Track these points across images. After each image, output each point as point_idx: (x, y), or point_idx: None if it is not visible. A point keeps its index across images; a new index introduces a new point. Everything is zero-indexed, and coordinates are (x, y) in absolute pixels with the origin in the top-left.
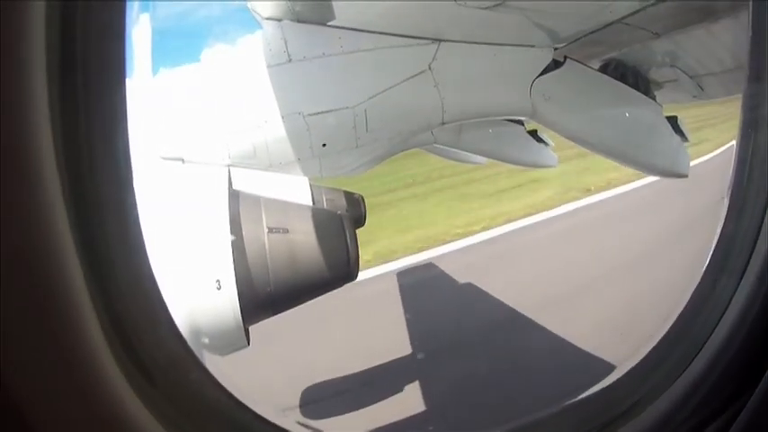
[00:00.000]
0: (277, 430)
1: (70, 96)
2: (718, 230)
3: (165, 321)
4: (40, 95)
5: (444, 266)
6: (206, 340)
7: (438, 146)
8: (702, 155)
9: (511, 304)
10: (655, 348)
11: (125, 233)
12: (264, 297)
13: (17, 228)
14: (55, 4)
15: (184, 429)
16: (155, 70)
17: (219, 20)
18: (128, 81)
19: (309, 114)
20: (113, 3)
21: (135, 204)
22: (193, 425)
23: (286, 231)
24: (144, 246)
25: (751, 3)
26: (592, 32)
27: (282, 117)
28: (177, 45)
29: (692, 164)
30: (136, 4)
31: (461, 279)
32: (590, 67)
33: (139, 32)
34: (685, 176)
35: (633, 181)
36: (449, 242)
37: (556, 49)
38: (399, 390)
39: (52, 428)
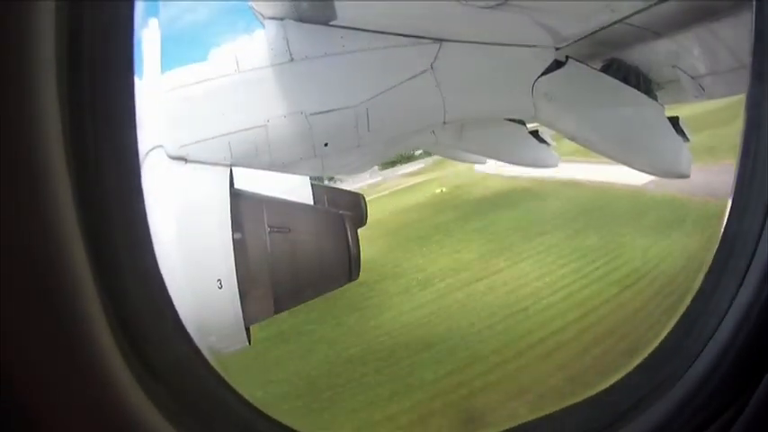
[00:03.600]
0: (281, 427)
1: (78, 96)
2: (721, 231)
3: (171, 319)
4: (49, 95)
5: None
6: (213, 338)
7: (439, 146)
8: None
9: None
10: (656, 349)
11: (132, 231)
12: (266, 296)
13: (26, 227)
14: (63, 4)
15: (189, 425)
16: (163, 70)
17: (223, 19)
18: (136, 81)
19: (311, 114)
20: (121, 3)
21: (143, 204)
22: (198, 421)
23: (288, 231)
24: (151, 245)
25: (754, 2)
26: (594, 32)
27: (284, 116)
28: (183, 44)
29: None
30: (143, 5)
31: None
32: (592, 68)
33: (148, 32)
34: (686, 177)
35: None
36: None
37: (558, 48)
38: None
39: (59, 424)
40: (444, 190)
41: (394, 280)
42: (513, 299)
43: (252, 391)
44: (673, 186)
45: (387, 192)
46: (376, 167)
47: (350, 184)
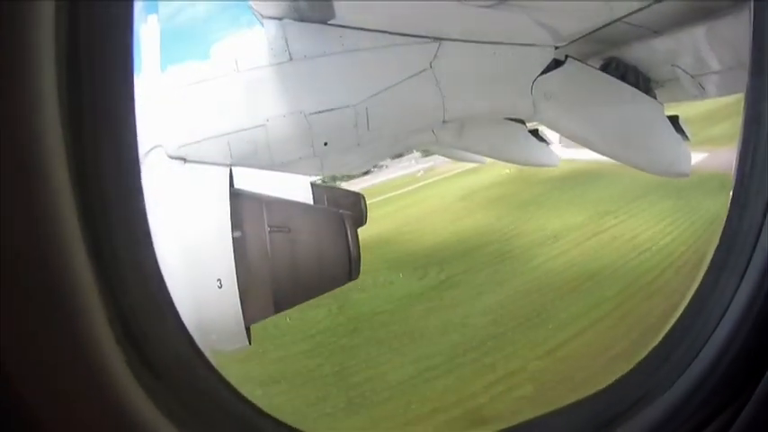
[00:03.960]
0: (281, 426)
1: (78, 95)
2: (721, 227)
3: (171, 318)
4: (48, 94)
5: None
6: (213, 338)
7: (439, 145)
8: None
9: None
10: (657, 347)
11: (132, 231)
12: (266, 296)
13: (26, 225)
14: (62, 4)
15: (190, 424)
16: (163, 67)
17: (222, 17)
18: (135, 79)
19: (311, 113)
20: (120, 2)
21: (143, 203)
22: (198, 419)
23: (287, 230)
24: (151, 243)
25: (752, 0)
26: (593, 31)
27: (284, 116)
28: (183, 41)
29: None
30: (143, 3)
31: None
32: (591, 66)
33: (147, 31)
34: (686, 176)
35: None
36: None
37: (557, 47)
38: None
39: (59, 423)
40: (510, 170)
41: (522, 237)
42: (637, 243)
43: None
44: (714, 165)
45: (450, 173)
46: (417, 153)
47: (404, 168)
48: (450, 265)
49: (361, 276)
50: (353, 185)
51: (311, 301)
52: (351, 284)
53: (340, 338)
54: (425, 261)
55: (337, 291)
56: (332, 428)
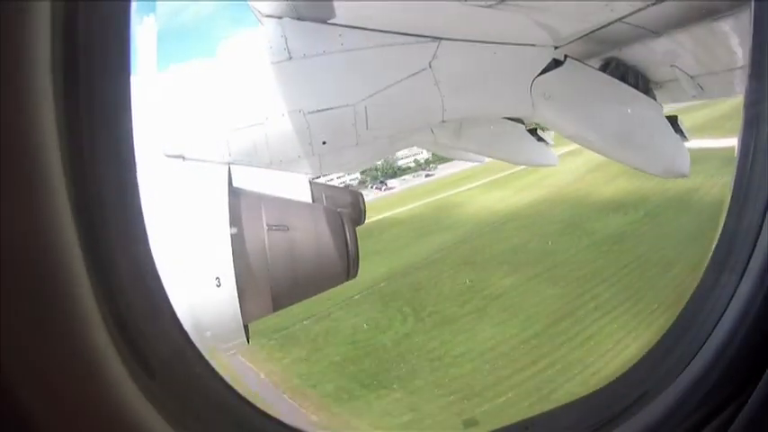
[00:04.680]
0: (276, 423)
1: (74, 94)
2: (720, 227)
3: (167, 316)
4: (45, 93)
5: None
6: (211, 336)
7: (438, 144)
8: None
9: None
10: (657, 345)
11: (128, 229)
12: (264, 294)
13: (21, 224)
14: (59, 4)
15: (185, 422)
16: (161, 67)
17: (221, 17)
18: (131, 79)
19: (310, 112)
20: (116, 2)
21: (138, 201)
22: (195, 418)
23: (286, 229)
24: (147, 241)
25: (752, 2)
26: (592, 31)
27: (283, 114)
28: (180, 40)
29: None
30: (140, 3)
31: None
32: (590, 66)
33: (144, 30)
34: (685, 176)
35: None
36: None
37: (556, 47)
38: None
39: (54, 422)
40: None
41: (671, 191)
42: None
43: None
44: None
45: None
46: None
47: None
48: (638, 208)
49: (582, 213)
50: (451, 168)
51: (551, 233)
52: (584, 217)
53: (612, 246)
54: (614, 206)
55: (567, 221)
56: None
